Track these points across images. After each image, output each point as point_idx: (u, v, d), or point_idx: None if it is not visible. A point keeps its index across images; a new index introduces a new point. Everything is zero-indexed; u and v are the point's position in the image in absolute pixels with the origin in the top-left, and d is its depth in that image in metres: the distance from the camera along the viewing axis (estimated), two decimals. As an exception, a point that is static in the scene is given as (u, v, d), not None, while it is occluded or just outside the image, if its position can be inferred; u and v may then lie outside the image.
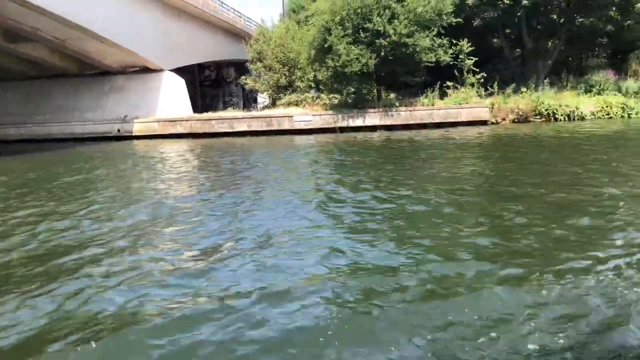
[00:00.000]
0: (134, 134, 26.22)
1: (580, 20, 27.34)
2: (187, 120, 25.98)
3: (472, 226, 6.74)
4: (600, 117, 24.19)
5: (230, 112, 28.12)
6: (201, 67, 38.14)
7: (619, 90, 25.76)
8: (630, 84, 26.05)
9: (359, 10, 24.12)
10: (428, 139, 19.58)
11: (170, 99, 28.22)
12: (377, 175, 11.22)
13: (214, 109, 33.64)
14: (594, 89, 25.77)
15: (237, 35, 36.47)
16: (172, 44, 29.34)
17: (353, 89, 24.71)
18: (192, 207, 9.00)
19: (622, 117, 24.28)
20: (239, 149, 19.73)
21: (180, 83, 28.97)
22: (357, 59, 23.68)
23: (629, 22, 26.20)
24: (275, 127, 24.38)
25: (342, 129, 24.43)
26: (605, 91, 25.59)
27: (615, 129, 19.89)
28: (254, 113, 27.27)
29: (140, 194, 10.63)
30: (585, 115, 24.25)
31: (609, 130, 19.22)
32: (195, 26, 32.18)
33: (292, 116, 24.50)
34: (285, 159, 15.85)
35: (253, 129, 24.61)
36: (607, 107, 24.42)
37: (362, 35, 23.84)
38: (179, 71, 29.85)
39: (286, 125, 24.37)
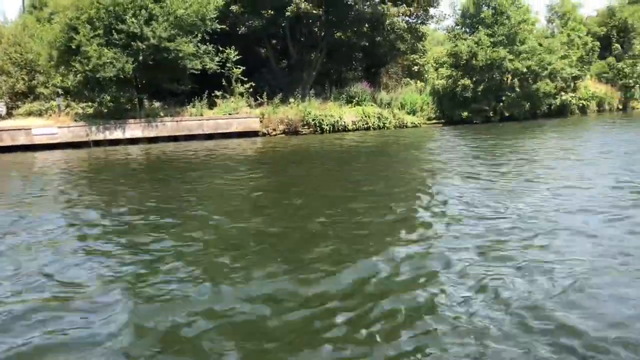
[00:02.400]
0: None
1: (338, 34, 28.68)
2: None
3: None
4: (360, 127, 25.62)
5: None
6: None
7: (375, 101, 27.71)
8: (383, 95, 28.28)
9: (110, 9, 21.23)
10: (196, 154, 17.86)
11: None
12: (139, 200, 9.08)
13: None
14: (354, 100, 27.25)
15: (-43, 30, 29.58)
16: None
17: (109, 97, 21.66)
18: None
19: (379, 126, 26.11)
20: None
21: None
22: (112, 63, 20.77)
23: (379, 38, 28.33)
24: (7, 143, 19.84)
25: (98, 143, 21.19)
26: (363, 102, 27.24)
27: (373, 139, 20.93)
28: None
29: None
30: (348, 125, 25.40)
31: (372, 142, 20.06)
32: None
33: (30, 129, 20.27)
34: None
35: (-25, 145, 19.63)
36: (366, 117, 26.00)
37: (116, 36, 21.03)
38: None
39: (22, 140, 20.03)
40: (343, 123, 25.35)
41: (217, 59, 23.63)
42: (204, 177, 12.03)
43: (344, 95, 27.52)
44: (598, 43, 33.73)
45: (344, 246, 6.12)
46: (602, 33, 35.89)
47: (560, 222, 6.83)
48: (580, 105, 32.38)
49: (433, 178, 10.73)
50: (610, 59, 35.51)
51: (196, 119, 23.08)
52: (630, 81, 35.16)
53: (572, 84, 30.97)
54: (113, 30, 21.08)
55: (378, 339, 3.91)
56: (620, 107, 35.82)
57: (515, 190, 9.04)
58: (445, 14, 31.04)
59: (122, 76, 21.13)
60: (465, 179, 10.23)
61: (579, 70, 31.17)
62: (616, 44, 35.71)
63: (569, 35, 32.01)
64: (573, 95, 31.25)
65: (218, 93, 24.56)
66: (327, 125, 24.85)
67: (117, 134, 21.58)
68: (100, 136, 21.32)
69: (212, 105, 24.45)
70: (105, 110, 22.12)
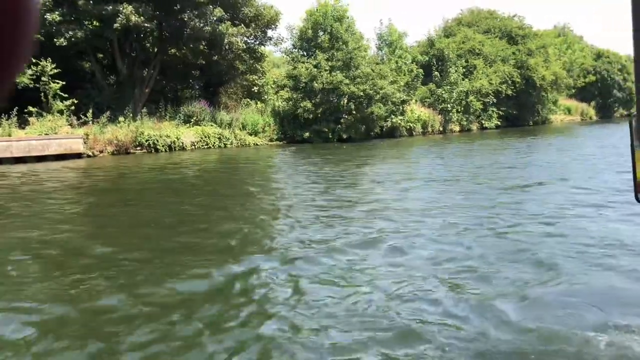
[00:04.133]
0: None
1: (173, 50, 27.17)
2: None
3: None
4: (200, 147, 24.37)
5: None
6: None
7: (215, 121, 26.63)
8: (223, 115, 27.29)
9: None
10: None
11: None
12: None
13: None
14: (192, 120, 25.88)
15: None
16: None
17: None
18: None
19: (219, 146, 25.11)
20: None
21: None
22: None
23: (217, 57, 27.41)
24: None
25: None
26: (202, 122, 26.01)
27: (213, 159, 19.91)
28: None
29: None
30: (186, 146, 23.99)
31: (209, 161, 19.01)
32: None
33: None
34: None
35: None
36: (205, 137, 24.85)
37: None
38: None
39: None
40: (181, 143, 23.86)
41: (29, 71, 20.69)
42: None
43: (181, 114, 25.99)
44: (422, 70, 36.76)
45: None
46: (424, 61, 39.25)
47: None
48: (408, 127, 34.81)
49: (264, 195, 10.12)
50: (431, 85, 38.86)
51: (2, 139, 19.77)
52: (448, 106, 38.78)
53: (400, 108, 33.13)
54: None
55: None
56: (441, 129, 39.33)
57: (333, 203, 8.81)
58: (282, 37, 31.22)
59: None
60: (301, 198, 9.80)
61: (406, 95, 33.50)
62: (436, 72, 39.24)
63: (397, 62, 34.36)
64: (402, 118, 33.44)
65: (33, 110, 21.47)
66: (162, 145, 23.14)
67: None
68: None
69: (24, 124, 21.26)
70: None
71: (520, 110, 44.85)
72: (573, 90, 56.53)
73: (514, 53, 44.45)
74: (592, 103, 63.32)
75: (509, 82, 42.55)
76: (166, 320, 4.25)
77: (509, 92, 42.32)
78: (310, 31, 29.61)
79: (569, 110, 57.29)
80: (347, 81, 28.34)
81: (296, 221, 7.97)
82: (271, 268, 5.65)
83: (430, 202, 9.55)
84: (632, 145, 1.49)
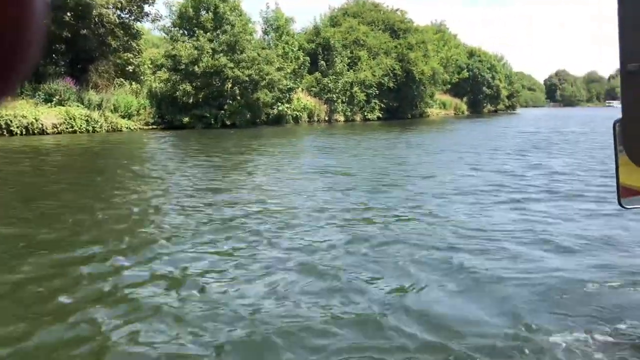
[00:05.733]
0: None
1: (32, 20, 23.92)
2: None
3: None
4: (64, 131, 21.81)
5: None
6: None
7: (82, 101, 23.98)
8: (92, 96, 24.66)
9: None
10: None
11: None
12: None
13: None
14: (54, 99, 23.04)
15: None
16: None
17: None
18: None
19: (87, 130, 22.69)
20: None
21: None
22: None
23: (85, 30, 24.62)
24: None
25: None
26: (67, 102, 23.27)
27: (76, 144, 17.82)
28: None
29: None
30: (47, 128, 21.31)
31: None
32: None
33: None
34: None
35: None
36: (70, 119, 22.29)
37: None
38: None
39: None
40: (40, 125, 21.11)
41: None
42: None
43: (41, 93, 23.01)
44: (308, 58, 36.30)
45: None
46: (310, 49, 38.85)
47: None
48: (294, 115, 34.28)
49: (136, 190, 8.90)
50: (317, 74, 38.61)
51: None
52: (334, 96, 38.82)
53: (287, 96, 32.45)
54: None
55: None
56: (327, 119, 39.31)
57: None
58: (161, 14, 28.81)
59: None
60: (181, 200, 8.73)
61: (293, 82, 32.87)
62: (322, 61, 39.03)
63: (284, 48, 33.54)
64: (288, 106, 32.80)
65: None
66: (17, 127, 20.29)
67: None
68: None
69: None
70: None
71: (400, 102, 46.21)
72: (448, 86, 59.72)
73: (395, 47, 45.67)
74: (465, 99, 67.54)
75: (391, 74, 43.62)
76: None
77: (391, 84, 43.39)
78: (191, 10, 27.75)
79: (444, 105, 60.48)
80: (231, 65, 26.98)
81: (166, 214, 6.92)
82: (130, 261, 5.04)
83: (321, 192, 8.95)
84: (615, 150, 1.58)
